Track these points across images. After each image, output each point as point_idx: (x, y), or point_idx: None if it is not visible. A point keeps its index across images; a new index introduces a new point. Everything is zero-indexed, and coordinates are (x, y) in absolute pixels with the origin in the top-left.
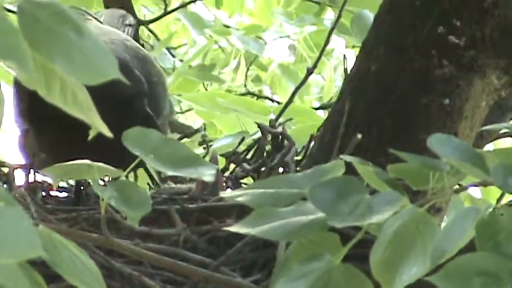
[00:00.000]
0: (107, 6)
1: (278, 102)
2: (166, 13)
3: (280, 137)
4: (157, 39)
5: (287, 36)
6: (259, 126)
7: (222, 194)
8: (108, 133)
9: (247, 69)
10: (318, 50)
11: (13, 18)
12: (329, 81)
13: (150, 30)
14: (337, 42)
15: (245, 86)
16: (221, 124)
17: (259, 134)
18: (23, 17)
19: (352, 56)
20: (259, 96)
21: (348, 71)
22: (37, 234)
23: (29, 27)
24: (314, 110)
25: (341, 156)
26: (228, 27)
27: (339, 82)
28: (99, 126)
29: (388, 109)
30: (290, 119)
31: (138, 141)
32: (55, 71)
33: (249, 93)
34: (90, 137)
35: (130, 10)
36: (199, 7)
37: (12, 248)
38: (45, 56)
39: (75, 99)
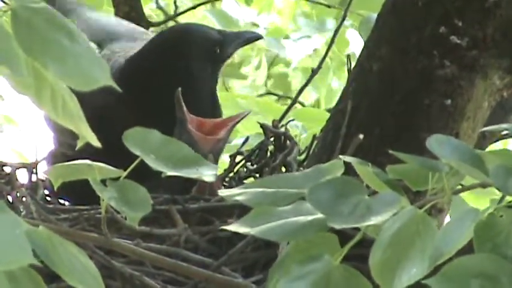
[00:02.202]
0: (116, 6)
1: (300, 103)
2: (192, 7)
3: (282, 137)
4: None
5: (308, 37)
6: (262, 126)
7: (221, 193)
8: (96, 143)
9: (268, 68)
10: (340, 52)
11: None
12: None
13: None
14: (358, 46)
15: (266, 85)
16: (241, 125)
17: None
18: (17, 22)
19: None
20: (280, 96)
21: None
22: (28, 242)
23: (22, 32)
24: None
25: (341, 156)
26: (256, 25)
27: None
28: (87, 136)
29: (390, 109)
30: (292, 120)
31: (139, 141)
32: (46, 78)
33: (269, 93)
34: (77, 147)
35: (139, 10)
36: (230, 3)
37: (3, 255)
38: (38, 61)
39: (65, 108)
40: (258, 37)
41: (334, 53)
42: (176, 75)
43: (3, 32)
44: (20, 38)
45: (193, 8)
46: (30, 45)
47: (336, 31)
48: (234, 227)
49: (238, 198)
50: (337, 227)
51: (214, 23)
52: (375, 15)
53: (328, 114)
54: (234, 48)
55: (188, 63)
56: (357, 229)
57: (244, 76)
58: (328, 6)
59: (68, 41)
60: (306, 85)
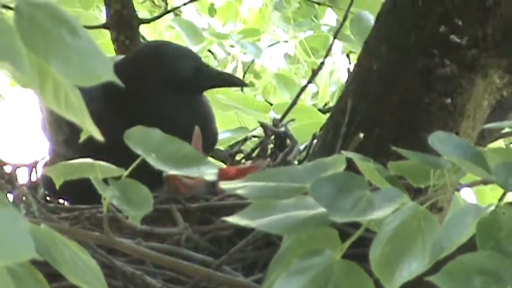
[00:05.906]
0: (107, 5)
1: (271, 104)
2: (163, 13)
3: (283, 136)
4: None
5: (285, 41)
6: (262, 125)
7: (222, 185)
8: (99, 137)
9: (244, 73)
10: (313, 54)
11: (10, 16)
12: (324, 87)
13: (143, 37)
14: (333, 48)
15: (242, 90)
16: (220, 121)
17: (258, 130)
18: (20, 17)
19: (346, 61)
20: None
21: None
22: (30, 236)
23: (25, 27)
24: (314, 108)
25: (343, 152)
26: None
27: (334, 87)
28: (90, 129)
29: (390, 108)
30: (292, 120)
31: (140, 140)
32: (49, 72)
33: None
34: (80, 140)
35: (131, 9)
36: (193, 15)
37: (5, 249)
38: (41, 56)
39: (68, 102)
40: (241, 84)
41: (308, 55)
42: (139, 93)
43: (6, 28)
44: (23, 33)
45: (184, 4)
46: (33, 41)
47: (338, 31)
48: (235, 219)
49: (238, 191)
50: (339, 221)
51: (179, 33)
52: (365, 13)
53: (313, 109)
54: (210, 84)
55: (150, 83)
56: (357, 228)
57: None
58: (318, 4)
59: (70, 36)
60: (308, 83)
